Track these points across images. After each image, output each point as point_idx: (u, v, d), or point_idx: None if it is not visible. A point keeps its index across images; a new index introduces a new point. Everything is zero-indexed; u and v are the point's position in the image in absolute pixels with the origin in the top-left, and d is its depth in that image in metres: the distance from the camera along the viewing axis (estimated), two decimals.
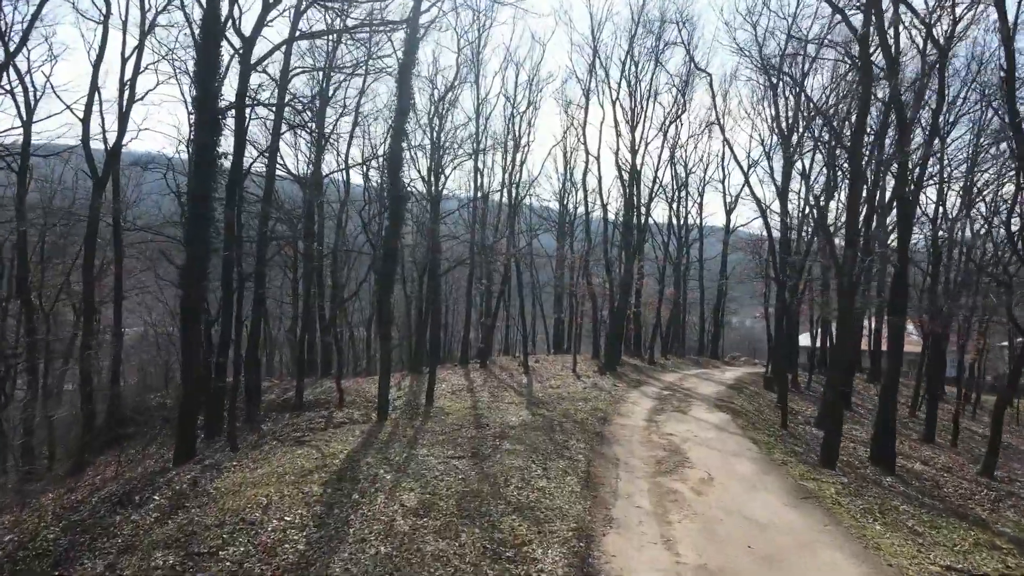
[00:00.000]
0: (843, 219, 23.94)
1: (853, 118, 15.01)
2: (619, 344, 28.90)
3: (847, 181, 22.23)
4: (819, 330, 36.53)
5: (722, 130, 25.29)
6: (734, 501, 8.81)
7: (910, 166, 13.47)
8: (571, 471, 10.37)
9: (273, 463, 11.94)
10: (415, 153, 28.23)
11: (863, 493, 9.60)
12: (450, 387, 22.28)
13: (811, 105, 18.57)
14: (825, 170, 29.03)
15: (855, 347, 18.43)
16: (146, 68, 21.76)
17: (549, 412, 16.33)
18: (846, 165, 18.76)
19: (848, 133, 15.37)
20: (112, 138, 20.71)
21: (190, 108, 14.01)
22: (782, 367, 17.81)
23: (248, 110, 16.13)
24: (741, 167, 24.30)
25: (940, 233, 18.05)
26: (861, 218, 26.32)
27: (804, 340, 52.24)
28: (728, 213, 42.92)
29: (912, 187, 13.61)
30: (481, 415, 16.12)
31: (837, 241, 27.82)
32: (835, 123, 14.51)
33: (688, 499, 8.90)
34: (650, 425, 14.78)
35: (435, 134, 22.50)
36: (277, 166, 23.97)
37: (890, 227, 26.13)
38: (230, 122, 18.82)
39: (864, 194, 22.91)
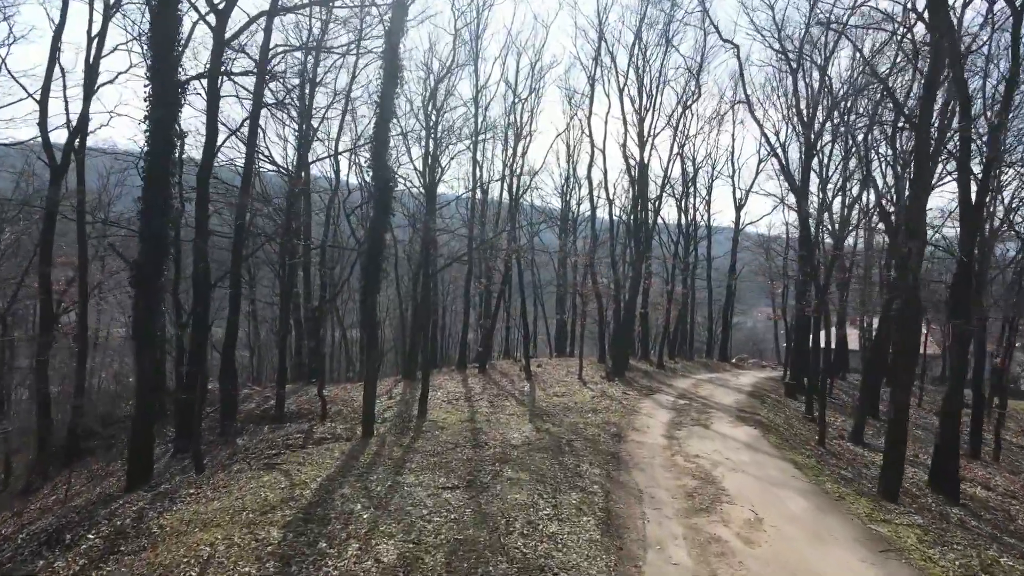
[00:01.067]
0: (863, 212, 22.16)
1: (900, 97, 13.28)
2: (627, 348, 27.11)
3: (888, 167, 20.46)
4: (829, 331, 34.77)
5: (749, 106, 23.14)
6: (797, 555, 7.01)
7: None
8: (587, 508, 8.57)
9: (234, 493, 10.14)
10: (409, 142, 26.44)
11: (950, 540, 7.81)
12: (446, 395, 20.49)
13: (864, 74, 16.57)
14: (844, 159, 27.48)
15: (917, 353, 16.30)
16: (116, 48, 19.94)
17: (555, 427, 14.53)
18: (884, 149, 17.05)
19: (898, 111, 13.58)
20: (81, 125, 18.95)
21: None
22: (824, 375, 15.97)
23: (220, 81, 14.25)
24: (770, 142, 22.32)
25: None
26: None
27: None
28: (738, 209, 41.20)
29: (983, 166, 11.82)
30: (479, 430, 14.33)
31: (845, 235, 25.97)
32: (897, 95, 12.67)
33: (737, 551, 7.09)
34: (671, 443, 12.98)
35: (430, 121, 20.71)
36: (260, 156, 22.19)
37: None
38: (201, 104, 17.10)
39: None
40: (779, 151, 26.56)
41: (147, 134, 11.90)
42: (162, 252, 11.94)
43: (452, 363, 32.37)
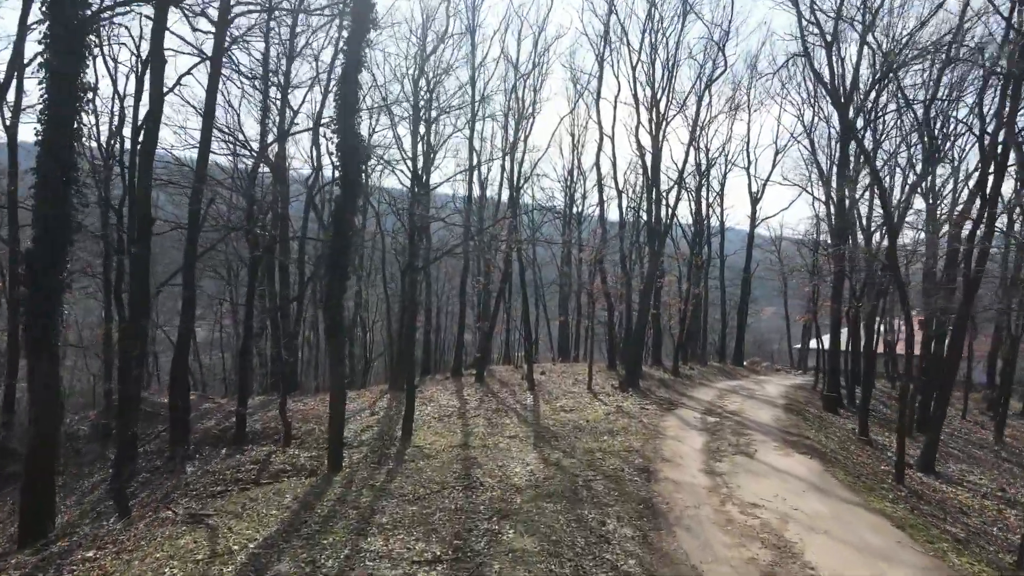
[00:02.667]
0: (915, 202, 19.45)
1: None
2: (641, 354, 24.42)
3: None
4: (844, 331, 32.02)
5: (808, 59, 19.97)
6: None
7: None
8: None
9: (134, 566, 7.44)
10: (398, 129, 23.77)
11: None
12: (437, 409, 17.82)
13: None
14: (876, 144, 24.77)
15: None
16: None
17: (567, 457, 11.83)
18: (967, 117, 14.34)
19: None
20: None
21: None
22: (906, 396, 13.22)
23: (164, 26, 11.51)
24: (834, 94, 19.05)
25: None
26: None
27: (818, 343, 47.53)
28: (754, 203, 38.58)
29: None
30: (473, 461, 11.64)
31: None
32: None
33: None
34: (716, 482, 10.26)
35: (420, 94, 17.99)
36: (237, 142, 19.50)
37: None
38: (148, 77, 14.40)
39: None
40: (802, 140, 23.86)
41: (42, 86, 9.20)
42: (62, 238, 9.23)
43: (448, 367, 29.75)
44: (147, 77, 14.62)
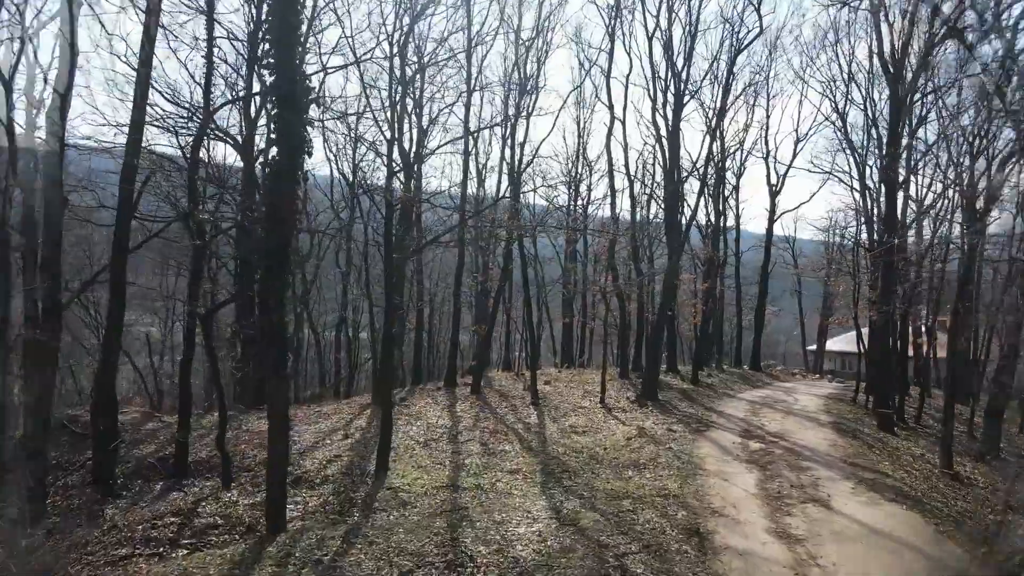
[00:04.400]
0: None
1: None
2: (659, 361, 21.60)
3: None
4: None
5: None
6: None
7: None
8: None
9: None
10: (378, 101, 20.77)
11: None
12: (424, 430, 14.93)
13: None
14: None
15: None
16: None
17: (587, 508, 8.97)
18: None
19: None
20: None
21: None
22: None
23: None
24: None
25: None
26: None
27: (833, 345, 44.76)
28: (773, 195, 35.58)
29: None
30: (463, 513, 8.79)
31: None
32: None
33: None
34: (796, 554, 7.39)
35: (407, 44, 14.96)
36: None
37: None
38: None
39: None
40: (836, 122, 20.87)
41: None
42: None
43: (441, 371, 26.94)
44: None
